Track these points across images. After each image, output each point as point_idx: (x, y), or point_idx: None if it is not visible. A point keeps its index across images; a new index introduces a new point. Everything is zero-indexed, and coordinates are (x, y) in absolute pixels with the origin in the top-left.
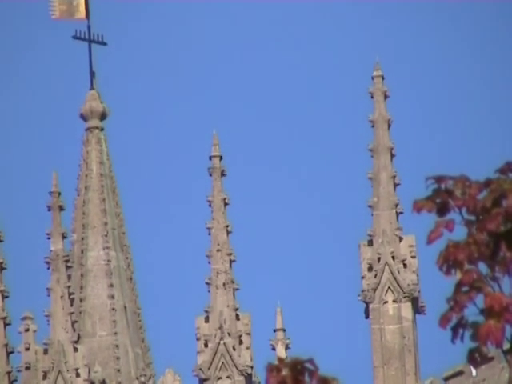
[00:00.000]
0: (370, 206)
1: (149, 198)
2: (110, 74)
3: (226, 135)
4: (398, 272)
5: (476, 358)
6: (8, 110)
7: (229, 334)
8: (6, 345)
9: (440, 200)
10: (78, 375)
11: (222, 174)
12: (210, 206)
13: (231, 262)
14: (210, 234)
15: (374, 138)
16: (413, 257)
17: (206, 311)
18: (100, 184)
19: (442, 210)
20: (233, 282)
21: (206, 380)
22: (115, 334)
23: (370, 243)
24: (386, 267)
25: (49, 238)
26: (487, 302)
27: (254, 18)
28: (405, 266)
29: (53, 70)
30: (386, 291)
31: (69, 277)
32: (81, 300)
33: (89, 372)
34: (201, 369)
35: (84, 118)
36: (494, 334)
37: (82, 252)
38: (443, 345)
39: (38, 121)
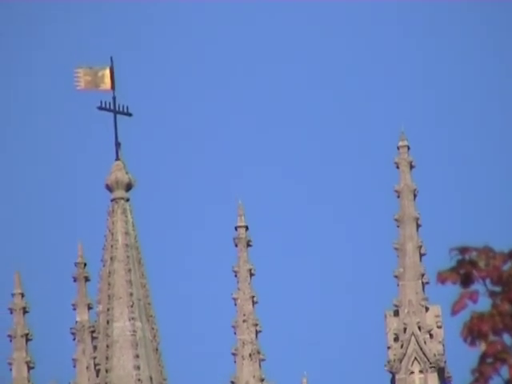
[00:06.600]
0: (395, 276)
1: (174, 268)
2: (135, 144)
3: (252, 205)
4: (425, 342)
5: None
6: (34, 179)
7: None
8: None
9: (464, 271)
10: None
11: (248, 245)
12: (235, 276)
13: (257, 332)
14: (235, 305)
15: (400, 208)
16: (439, 327)
17: (232, 382)
18: (125, 254)
19: (466, 280)
20: (259, 353)
21: None
22: None
23: (396, 313)
24: (412, 337)
25: (74, 309)
26: None
27: (274, 83)
28: (431, 336)
29: (78, 141)
30: (413, 361)
31: (94, 347)
32: (107, 371)
33: None
34: None
35: (109, 188)
36: None
37: (108, 323)
38: None
39: (63, 191)
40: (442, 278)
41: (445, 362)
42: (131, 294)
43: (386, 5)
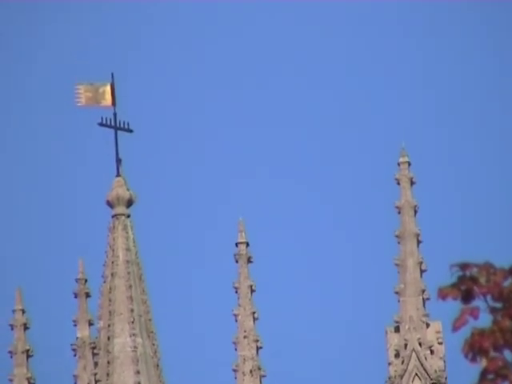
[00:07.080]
0: (396, 293)
1: (175, 284)
2: (136, 160)
3: (252, 221)
4: (425, 358)
5: None
6: (35, 195)
7: None
8: None
9: (465, 287)
10: None
11: (249, 261)
12: (236, 292)
13: (258, 348)
14: (236, 321)
15: (401, 224)
16: (440, 343)
17: None
18: (126, 271)
19: (467, 297)
20: (259, 369)
21: None
22: None
23: (397, 329)
24: (413, 353)
25: (75, 325)
26: None
27: (277, 101)
28: (432, 352)
29: (79, 157)
30: (413, 378)
31: (95, 364)
32: None
33: None
34: None
35: (110, 204)
36: None
37: (109, 339)
38: None
39: (64, 207)
40: (442, 294)
41: (446, 378)
42: (132, 310)
43: (386, 5)
